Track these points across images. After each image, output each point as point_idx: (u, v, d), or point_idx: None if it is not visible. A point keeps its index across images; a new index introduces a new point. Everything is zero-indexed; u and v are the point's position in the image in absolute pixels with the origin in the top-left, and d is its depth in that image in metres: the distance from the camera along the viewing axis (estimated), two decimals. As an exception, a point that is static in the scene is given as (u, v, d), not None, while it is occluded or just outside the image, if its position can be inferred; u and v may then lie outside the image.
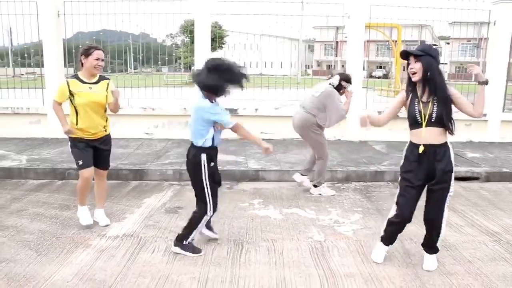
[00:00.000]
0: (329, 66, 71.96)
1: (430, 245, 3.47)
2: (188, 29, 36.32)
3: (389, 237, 3.56)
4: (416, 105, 3.28)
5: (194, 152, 3.62)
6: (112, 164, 6.27)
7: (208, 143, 3.54)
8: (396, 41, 19.72)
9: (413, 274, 3.31)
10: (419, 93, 3.24)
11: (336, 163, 6.31)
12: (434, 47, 3.19)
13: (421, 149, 3.38)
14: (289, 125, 6.15)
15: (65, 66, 8.56)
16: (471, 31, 59.96)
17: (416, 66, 3.14)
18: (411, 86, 3.28)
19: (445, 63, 56.64)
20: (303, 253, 3.64)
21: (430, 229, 3.47)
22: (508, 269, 3.39)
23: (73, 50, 8.40)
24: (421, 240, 3.90)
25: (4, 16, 8.22)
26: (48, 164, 6.30)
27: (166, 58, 11.14)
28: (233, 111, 8.24)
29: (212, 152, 3.60)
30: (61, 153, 7.01)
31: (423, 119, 3.25)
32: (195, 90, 3.56)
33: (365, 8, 8.07)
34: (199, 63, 7.97)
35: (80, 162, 4.14)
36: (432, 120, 3.22)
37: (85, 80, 4.06)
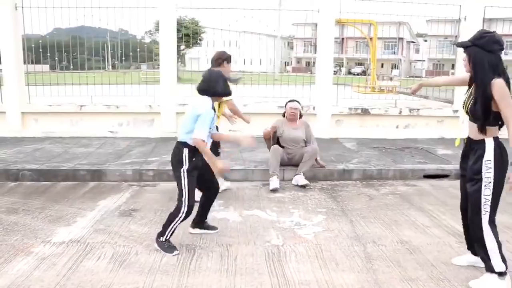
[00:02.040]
0: (308, 63, 72.08)
1: (481, 258, 3.00)
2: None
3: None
4: (466, 94, 3.02)
5: (177, 147, 3.64)
6: (69, 165, 5.99)
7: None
8: (372, 38, 19.72)
9: (372, 280, 3.13)
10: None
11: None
12: (487, 35, 2.83)
13: (457, 142, 3.28)
14: (259, 122, 5.96)
15: (24, 63, 8.14)
16: (448, 28, 60.96)
17: (465, 58, 2.90)
18: None
19: (423, 60, 57.45)
20: (258, 259, 3.43)
21: (472, 239, 3.11)
22: (472, 273, 3.24)
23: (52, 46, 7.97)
24: (386, 244, 3.75)
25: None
26: (0, 164, 5.94)
27: (146, 55, 10.81)
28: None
29: (196, 150, 3.55)
30: (17, 153, 6.64)
31: (464, 110, 3.01)
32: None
33: (334, 2, 7.89)
34: (164, 61, 7.70)
35: None
36: (469, 114, 2.93)
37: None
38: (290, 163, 5.75)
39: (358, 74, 45.41)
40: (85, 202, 4.87)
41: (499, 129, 2.89)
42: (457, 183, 5.72)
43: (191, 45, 36.07)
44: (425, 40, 56.58)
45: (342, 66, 65.43)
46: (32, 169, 5.76)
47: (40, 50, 8.48)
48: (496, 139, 2.86)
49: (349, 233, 4.00)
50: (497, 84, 2.71)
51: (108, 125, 8.01)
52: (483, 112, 2.79)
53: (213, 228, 4.03)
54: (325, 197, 5.11)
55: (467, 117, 3.01)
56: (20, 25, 7.79)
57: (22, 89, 7.94)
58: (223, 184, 4.99)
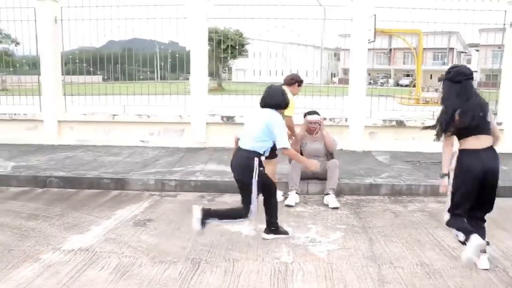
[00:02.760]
0: (355, 75, 70.93)
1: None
2: (209, 37, 36.49)
3: None
4: None
5: (247, 156, 3.81)
6: (95, 173, 6.09)
7: (265, 152, 3.91)
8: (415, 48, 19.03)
9: (382, 305, 2.87)
10: None
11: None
12: (453, 69, 3.48)
13: None
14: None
15: (67, 74, 8.50)
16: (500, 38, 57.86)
17: None
18: None
19: (475, 71, 54.74)
20: (262, 277, 3.25)
21: None
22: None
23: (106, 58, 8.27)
24: (403, 266, 3.46)
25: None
26: (31, 171, 6.13)
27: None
28: (229, 118, 7.94)
29: (261, 160, 3.88)
30: (49, 160, 6.85)
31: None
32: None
33: (367, 10, 7.62)
34: (195, 71, 7.74)
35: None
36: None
37: None
38: (314, 176, 5.53)
39: (406, 86, 44.06)
40: (104, 211, 4.89)
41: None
42: (497, 200, 5.32)
43: (236, 56, 36.53)
44: (477, 50, 54.03)
45: (390, 78, 64.04)
46: (59, 176, 5.90)
47: (83, 61, 8.80)
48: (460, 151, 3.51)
49: (366, 252, 3.73)
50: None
51: (139, 134, 8.13)
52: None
53: (285, 232, 4.09)
54: (347, 213, 4.84)
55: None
56: (59, 37, 8.12)
57: (59, 98, 8.24)
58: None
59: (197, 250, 3.79)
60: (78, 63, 9.35)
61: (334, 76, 70.10)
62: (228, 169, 6.33)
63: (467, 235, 3.32)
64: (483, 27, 9.06)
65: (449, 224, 3.58)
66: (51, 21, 7.94)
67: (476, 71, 55.13)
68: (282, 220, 4.53)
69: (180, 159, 7.04)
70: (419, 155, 7.43)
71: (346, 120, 7.78)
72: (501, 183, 5.63)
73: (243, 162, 3.83)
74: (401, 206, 5.10)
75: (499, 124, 7.65)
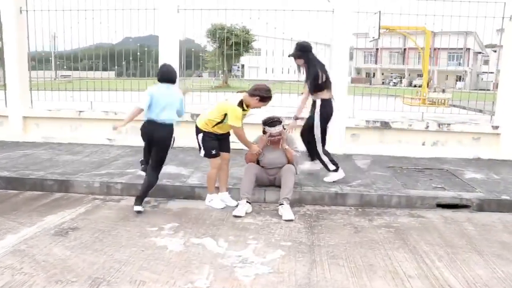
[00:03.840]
0: (368, 74, 69.73)
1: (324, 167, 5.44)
2: (215, 33, 36.01)
3: None
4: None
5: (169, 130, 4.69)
6: (41, 173, 5.60)
7: None
8: (423, 48, 18.21)
9: None
10: None
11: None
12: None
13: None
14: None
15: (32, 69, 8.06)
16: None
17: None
18: None
19: (492, 72, 53.09)
20: (159, 308, 2.69)
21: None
22: None
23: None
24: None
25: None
26: (-25, 170, 5.68)
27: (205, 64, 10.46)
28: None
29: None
30: (3, 159, 6.40)
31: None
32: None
33: (348, 4, 6.93)
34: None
35: (214, 151, 4.66)
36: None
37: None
38: (271, 183, 4.96)
39: (420, 86, 42.87)
40: (32, 216, 4.39)
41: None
42: (478, 216, 4.68)
43: (242, 54, 35.98)
44: (495, 51, 52.38)
45: (404, 78, 62.70)
46: (2, 176, 5.43)
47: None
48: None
49: (300, 279, 3.13)
50: None
51: (106, 132, 7.63)
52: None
53: None
54: (301, 227, 4.23)
55: None
56: (25, 29, 7.66)
57: (25, 93, 7.80)
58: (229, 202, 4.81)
59: (107, 267, 3.25)
60: (94, 60, 9.20)
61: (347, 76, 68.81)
62: (186, 171, 5.84)
63: (337, 167, 5.36)
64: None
65: (325, 153, 5.34)
66: (15, 12, 7.48)
67: (493, 72, 53.61)
68: (222, 234, 3.98)
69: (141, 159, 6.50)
70: (404, 160, 6.77)
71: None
72: (486, 195, 4.99)
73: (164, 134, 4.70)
74: (366, 220, 4.47)
75: (496, 127, 6.95)
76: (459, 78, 54.11)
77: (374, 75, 68.23)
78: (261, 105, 4.56)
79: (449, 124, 7.04)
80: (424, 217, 4.62)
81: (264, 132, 4.89)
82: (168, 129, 4.65)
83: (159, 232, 4.03)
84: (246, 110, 4.60)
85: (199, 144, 4.74)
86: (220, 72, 33.92)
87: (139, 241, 3.79)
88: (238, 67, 43.57)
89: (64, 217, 4.40)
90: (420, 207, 4.87)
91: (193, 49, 9.22)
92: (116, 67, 9.36)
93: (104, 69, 9.38)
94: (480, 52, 55.70)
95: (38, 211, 4.57)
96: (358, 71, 73.01)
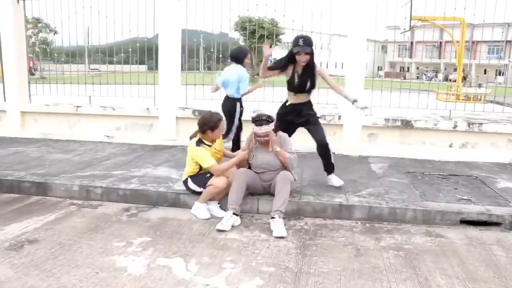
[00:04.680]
0: (402, 68, 67.48)
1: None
2: (243, 26, 35.30)
3: None
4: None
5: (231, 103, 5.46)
6: (21, 174, 5.18)
7: None
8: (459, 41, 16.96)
9: None
10: None
11: (293, 188, 4.53)
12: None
13: None
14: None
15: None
16: None
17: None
18: None
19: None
20: None
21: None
22: None
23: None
24: None
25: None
26: (-44, 169, 5.33)
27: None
28: (202, 113, 6.80)
29: None
30: (-10, 156, 6.05)
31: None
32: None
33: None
34: (164, 58, 6.68)
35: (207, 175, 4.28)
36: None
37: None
38: (265, 191, 4.32)
39: (455, 81, 40.81)
40: (-5, 225, 3.94)
41: None
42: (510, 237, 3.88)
43: (272, 46, 35.14)
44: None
45: (438, 72, 60.26)
46: (-21, 177, 5.04)
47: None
48: None
49: (273, 321, 2.49)
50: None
51: (105, 128, 7.19)
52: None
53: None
54: (292, 246, 3.58)
55: None
56: (22, 19, 7.30)
57: (23, 87, 7.46)
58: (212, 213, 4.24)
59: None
60: (131, 53, 9.41)
61: (380, 70, 67.07)
62: (175, 173, 5.27)
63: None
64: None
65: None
66: (12, 0, 7.12)
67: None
68: (196, 253, 3.40)
69: (134, 159, 6.01)
70: (427, 164, 5.96)
71: (339, 118, 6.42)
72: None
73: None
74: (372, 239, 3.76)
75: (536, 128, 6.02)
76: (499, 73, 51.34)
77: (408, 69, 66.03)
78: (219, 132, 4.32)
79: (481, 124, 6.16)
80: (444, 236, 3.86)
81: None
82: (230, 102, 5.49)
83: (125, 248, 3.48)
84: (210, 145, 4.26)
85: (192, 191, 4.38)
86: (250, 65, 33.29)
87: (97, 260, 3.24)
88: (271, 60, 42.72)
89: (27, 226, 3.93)
90: (440, 223, 4.11)
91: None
92: (147, 61, 9.24)
93: (140, 62, 9.91)
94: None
95: (5, 218, 4.13)
96: (392, 65, 70.75)
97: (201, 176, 4.27)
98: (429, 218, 4.12)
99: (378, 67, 67.79)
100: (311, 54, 4.38)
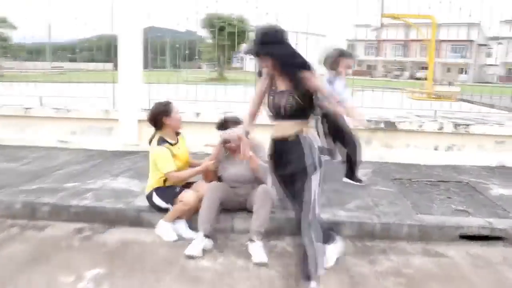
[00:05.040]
0: (369, 66, 68.40)
1: None
2: (211, 23, 34.53)
3: None
4: None
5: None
6: None
7: None
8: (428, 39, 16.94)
9: None
10: None
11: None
12: None
13: None
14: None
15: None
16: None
17: None
18: None
19: (496, 65, 51.76)
20: None
21: None
22: None
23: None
24: None
25: None
26: None
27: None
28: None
29: None
30: None
31: None
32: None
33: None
34: (124, 55, 6.02)
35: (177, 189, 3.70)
36: None
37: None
38: (241, 207, 3.76)
39: (422, 79, 41.52)
40: None
41: None
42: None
43: (239, 44, 34.64)
44: (500, 43, 50.97)
45: (405, 70, 61.37)
46: None
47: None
48: None
49: None
50: None
51: (59, 133, 6.43)
52: None
53: None
54: (275, 275, 3.04)
55: None
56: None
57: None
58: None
59: None
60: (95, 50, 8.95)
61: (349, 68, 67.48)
62: (136, 187, 4.63)
63: None
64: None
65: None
66: None
67: (497, 65, 52.24)
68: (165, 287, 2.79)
69: (90, 168, 5.31)
70: (412, 169, 5.57)
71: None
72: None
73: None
74: (366, 262, 3.28)
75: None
76: (461, 71, 52.70)
77: (375, 68, 67.00)
78: (176, 116, 3.70)
79: (467, 125, 5.82)
80: (444, 255, 3.43)
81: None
82: None
83: (74, 285, 2.85)
84: (174, 144, 3.73)
85: (157, 208, 3.79)
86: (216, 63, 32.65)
87: (36, 305, 2.60)
88: (238, 59, 42.14)
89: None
90: (438, 239, 3.68)
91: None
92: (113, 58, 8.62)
93: (107, 60, 8.83)
94: (483, 44, 54.26)
95: None
96: (359, 63, 71.59)
97: (169, 190, 3.67)
98: (426, 234, 3.68)
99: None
100: (274, 56, 2.65)
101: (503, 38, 49.24)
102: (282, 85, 2.72)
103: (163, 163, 3.61)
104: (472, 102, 16.49)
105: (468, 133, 5.80)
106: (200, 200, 3.54)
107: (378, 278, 3.04)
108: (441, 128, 5.82)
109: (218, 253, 3.37)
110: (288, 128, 2.72)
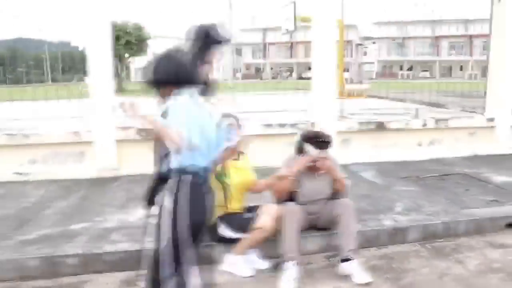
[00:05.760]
0: (258, 69, 70.54)
1: None
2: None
3: None
4: None
5: None
6: None
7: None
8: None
9: None
10: None
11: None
12: None
13: None
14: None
15: None
16: (394, 30, 61.74)
17: None
18: None
19: (372, 62, 57.42)
20: None
21: None
22: None
23: None
24: None
25: None
26: None
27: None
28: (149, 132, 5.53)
29: None
30: None
31: None
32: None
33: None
34: (96, 68, 5.28)
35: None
36: None
37: None
38: (313, 226, 3.50)
39: (309, 79, 43.97)
40: None
41: None
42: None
43: (136, 53, 32.95)
44: (374, 42, 56.58)
45: (292, 72, 64.73)
46: None
47: None
48: None
49: None
50: None
51: (14, 163, 5.36)
52: None
53: None
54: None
55: None
56: None
57: None
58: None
59: None
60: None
61: (237, 72, 69.02)
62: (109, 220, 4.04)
63: None
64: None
65: None
66: None
67: (373, 62, 57.97)
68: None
69: (80, 202, 4.51)
70: (406, 166, 5.81)
71: (312, 125, 5.86)
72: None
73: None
74: (452, 262, 3.30)
75: (491, 120, 6.38)
76: (345, 69, 57.31)
77: (263, 70, 69.36)
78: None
79: (446, 120, 6.27)
80: (507, 244, 3.60)
81: (300, 151, 3.40)
82: None
83: None
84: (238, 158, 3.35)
85: (220, 239, 3.32)
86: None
87: None
88: (123, 69, 40.13)
89: None
90: (490, 230, 3.86)
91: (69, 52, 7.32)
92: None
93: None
94: (360, 44, 59.69)
95: None
96: (247, 66, 73.41)
97: (237, 217, 3.25)
98: (481, 227, 3.84)
99: (234, 69, 69.83)
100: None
101: (376, 38, 54.84)
102: None
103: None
104: (380, 98, 18.00)
105: (447, 127, 6.24)
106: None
107: (478, 274, 3.08)
108: (424, 125, 6.18)
109: (311, 279, 3.09)
110: None
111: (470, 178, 5.18)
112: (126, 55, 32.23)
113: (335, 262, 3.24)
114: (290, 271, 3.00)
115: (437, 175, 5.34)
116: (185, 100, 2.11)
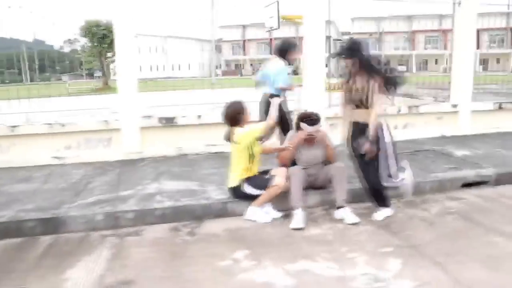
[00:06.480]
0: (237, 66, 71.34)
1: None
2: (90, 31, 32.81)
3: None
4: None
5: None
6: (10, 213, 4.26)
7: None
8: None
9: None
10: None
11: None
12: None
13: None
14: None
15: None
16: (373, 26, 63.53)
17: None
18: None
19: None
20: None
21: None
22: None
23: None
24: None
25: None
26: None
27: (68, 66, 9.20)
28: (170, 120, 6.50)
29: None
30: None
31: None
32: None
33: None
34: (122, 63, 6.15)
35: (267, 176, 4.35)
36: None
37: None
38: (310, 185, 4.53)
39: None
40: (45, 276, 3.25)
41: None
42: (504, 190, 4.94)
43: (108, 51, 33.52)
44: (351, 38, 57.97)
45: (243, 68, 66.10)
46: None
47: None
48: None
49: (455, 285, 2.85)
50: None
51: (51, 149, 6.22)
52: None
53: None
54: (373, 228, 3.93)
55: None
56: None
57: None
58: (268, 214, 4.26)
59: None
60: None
61: (217, 68, 69.64)
62: (194, 185, 5.03)
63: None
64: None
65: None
66: None
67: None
68: (312, 253, 3.46)
69: (118, 177, 5.43)
70: (410, 143, 6.87)
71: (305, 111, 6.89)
72: (495, 169, 5.28)
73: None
74: (420, 210, 4.37)
75: (454, 106, 7.52)
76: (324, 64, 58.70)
77: (243, 66, 70.19)
78: (248, 115, 4.37)
79: (417, 106, 7.39)
80: (463, 198, 4.70)
81: (298, 128, 4.47)
82: (264, 98, 5.57)
83: (238, 264, 3.33)
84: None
85: (245, 196, 4.31)
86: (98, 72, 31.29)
87: (228, 281, 3.06)
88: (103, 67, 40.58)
89: (93, 269, 3.36)
90: (450, 189, 4.96)
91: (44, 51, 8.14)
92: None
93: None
94: (338, 39, 61.12)
95: (47, 266, 3.42)
96: (227, 63, 74.19)
97: (260, 178, 4.24)
98: (443, 187, 4.94)
99: (216, 66, 70.39)
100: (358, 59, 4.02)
101: (354, 33, 56.36)
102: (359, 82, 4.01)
103: (255, 129, 4.23)
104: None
105: (418, 113, 7.36)
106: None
107: (439, 217, 4.16)
108: (399, 111, 7.28)
109: (314, 223, 4.11)
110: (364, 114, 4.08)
111: (437, 153, 6.29)
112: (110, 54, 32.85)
113: (331, 212, 4.28)
114: (298, 216, 4.02)
115: (410, 151, 6.43)
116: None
